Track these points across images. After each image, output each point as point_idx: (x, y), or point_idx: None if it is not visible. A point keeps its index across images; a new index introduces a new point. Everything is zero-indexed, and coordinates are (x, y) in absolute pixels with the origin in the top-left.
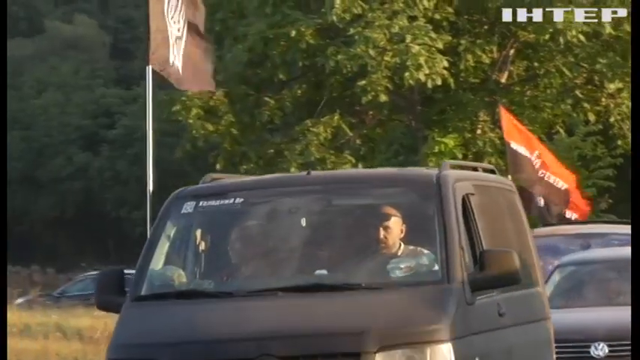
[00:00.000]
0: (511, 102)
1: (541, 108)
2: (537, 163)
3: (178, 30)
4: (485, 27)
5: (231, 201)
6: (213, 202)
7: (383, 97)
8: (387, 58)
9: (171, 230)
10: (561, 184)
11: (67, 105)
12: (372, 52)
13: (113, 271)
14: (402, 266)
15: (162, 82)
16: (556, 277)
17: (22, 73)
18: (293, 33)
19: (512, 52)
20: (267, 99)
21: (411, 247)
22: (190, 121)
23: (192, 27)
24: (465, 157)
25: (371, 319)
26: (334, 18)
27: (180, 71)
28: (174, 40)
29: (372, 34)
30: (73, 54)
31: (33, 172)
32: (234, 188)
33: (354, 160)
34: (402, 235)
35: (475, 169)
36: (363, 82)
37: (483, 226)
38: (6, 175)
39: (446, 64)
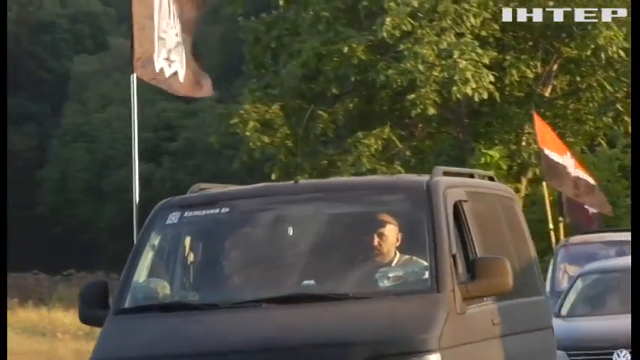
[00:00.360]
0: (554, 115)
1: (583, 121)
2: (569, 165)
3: (176, 35)
4: (530, 43)
5: (217, 211)
6: (198, 213)
7: (431, 111)
8: (435, 73)
9: (155, 241)
10: (591, 181)
11: (129, 119)
12: (421, 67)
13: (97, 283)
14: (391, 275)
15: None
16: (579, 284)
17: (87, 88)
18: (345, 49)
19: (555, 67)
20: (320, 112)
21: (407, 256)
22: (247, 133)
23: (188, 30)
24: (509, 168)
25: (357, 329)
26: (385, 35)
27: (182, 79)
28: (174, 45)
29: (421, 50)
30: None
31: (98, 182)
32: (220, 198)
33: (403, 171)
34: (398, 244)
35: (472, 175)
36: (413, 95)
37: (477, 234)
38: (6, 175)
39: (492, 78)
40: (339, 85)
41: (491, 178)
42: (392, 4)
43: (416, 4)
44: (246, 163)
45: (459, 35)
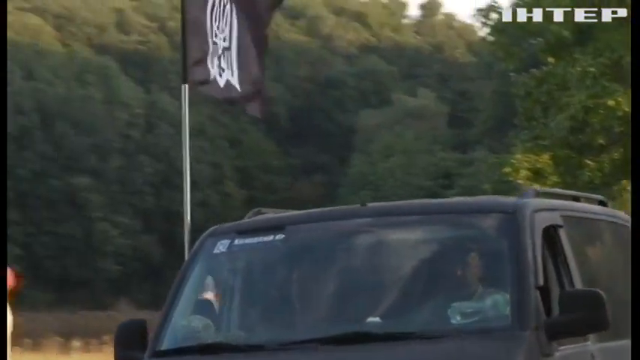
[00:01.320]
0: None
1: None
2: None
3: (224, 39)
4: None
5: (270, 238)
6: (250, 240)
7: None
8: None
9: (200, 273)
10: None
11: (410, 168)
12: None
13: (134, 322)
14: (467, 310)
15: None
16: None
17: (371, 140)
18: (611, 102)
19: None
20: (587, 161)
21: (490, 289)
22: (519, 181)
23: (246, 34)
24: None
25: None
26: None
27: (239, 87)
28: (222, 51)
29: None
30: (415, 123)
31: None
32: (274, 223)
33: None
34: (479, 274)
35: (577, 198)
36: None
37: (576, 263)
38: (6, 177)
39: None
40: (605, 135)
41: (602, 203)
42: None
43: None
44: None
45: None
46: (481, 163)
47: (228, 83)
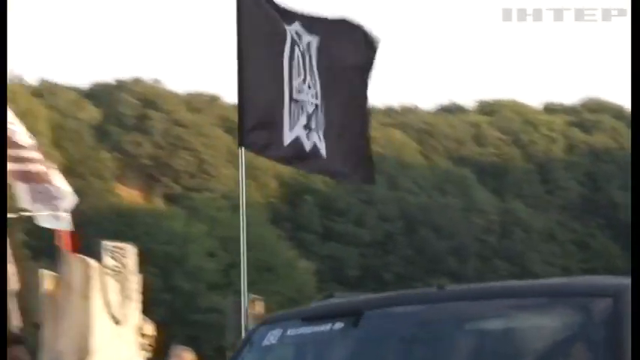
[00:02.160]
0: None
1: None
2: None
3: (315, 96)
4: None
5: (328, 328)
6: (304, 330)
7: None
8: None
9: None
10: None
11: None
12: None
13: None
14: None
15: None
16: None
17: None
18: None
19: None
20: None
21: None
22: None
23: (340, 86)
24: None
25: None
26: None
27: (324, 153)
28: (312, 109)
29: None
30: None
31: None
32: (334, 310)
33: None
34: None
35: None
36: None
37: None
38: (6, 176)
39: None
40: None
41: None
42: None
43: None
44: None
45: None
46: None
47: (314, 146)
